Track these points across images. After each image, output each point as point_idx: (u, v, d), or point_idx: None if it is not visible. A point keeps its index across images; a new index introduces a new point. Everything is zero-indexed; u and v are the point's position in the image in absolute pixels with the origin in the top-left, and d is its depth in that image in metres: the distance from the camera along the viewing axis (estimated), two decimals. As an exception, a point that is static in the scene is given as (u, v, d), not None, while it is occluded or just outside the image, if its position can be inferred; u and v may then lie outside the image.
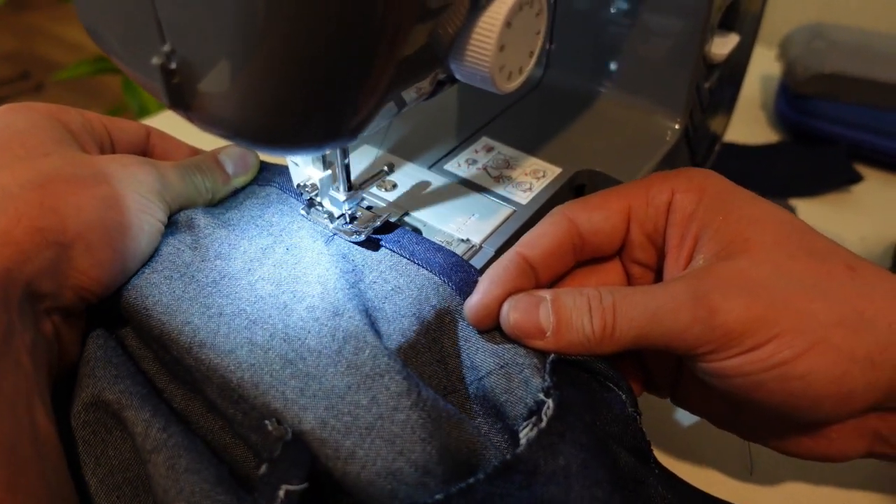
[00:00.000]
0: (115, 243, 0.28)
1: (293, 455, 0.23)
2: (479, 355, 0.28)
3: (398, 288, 0.30)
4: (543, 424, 0.25)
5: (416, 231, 0.35)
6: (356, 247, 0.32)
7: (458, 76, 0.27)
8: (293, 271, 0.30)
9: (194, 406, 0.28)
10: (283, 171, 0.36)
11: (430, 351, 0.28)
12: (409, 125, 0.42)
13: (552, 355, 0.27)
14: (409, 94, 0.26)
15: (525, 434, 0.25)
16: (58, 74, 1.09)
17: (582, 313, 0.27)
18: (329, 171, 0.33)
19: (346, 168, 0.32)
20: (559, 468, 0.23)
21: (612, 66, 0.44)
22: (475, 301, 0.28)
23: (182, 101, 0.22)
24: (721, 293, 0.25)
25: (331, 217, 0.33)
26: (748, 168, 0.63)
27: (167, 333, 0.27)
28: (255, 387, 0.25)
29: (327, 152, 0.31)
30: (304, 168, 0.33)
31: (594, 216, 0.30)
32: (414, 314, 0.28)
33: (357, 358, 0.25)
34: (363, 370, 0.25)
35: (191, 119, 0.23)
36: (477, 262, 0.33)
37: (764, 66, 0.74)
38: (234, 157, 0.35)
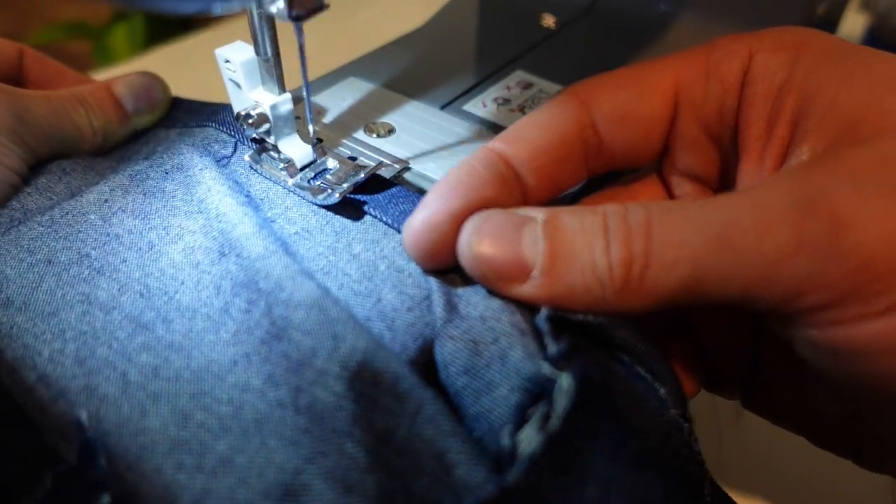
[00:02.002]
0: None
1: (92, 468, 0.15)
2: None
3: (305, 231, 0.21)
4: (556, 423, 0.15)
5: (422, 193, 0.23)
6: (257, 174, 0.23)
7: None
8: (170, 201, 0.22)
9: None
10: (209, 109, 0.25)
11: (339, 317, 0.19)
12: (413, 54, 0.31)
13: (543, 310, 0.17)
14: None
15: (520, 442, 0.15)
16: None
17: (593, 238, 0.17)
18: (288, 94, 0.21)
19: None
20: None
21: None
22: (419, 219, 0.18)
23: None
24: (853, 192, 0.15)
25: (291, 168, 0.22)
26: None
27: None
28: (80, 363, 0.18)
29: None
30: (250, 90, 0.22)
31: (620, 96, 0.20)
32: (321, 269, 0.20)
33: (248, 317, 0.18)
34: (256, 334, 0.18)
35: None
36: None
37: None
38: (135, 89, 0.26)
